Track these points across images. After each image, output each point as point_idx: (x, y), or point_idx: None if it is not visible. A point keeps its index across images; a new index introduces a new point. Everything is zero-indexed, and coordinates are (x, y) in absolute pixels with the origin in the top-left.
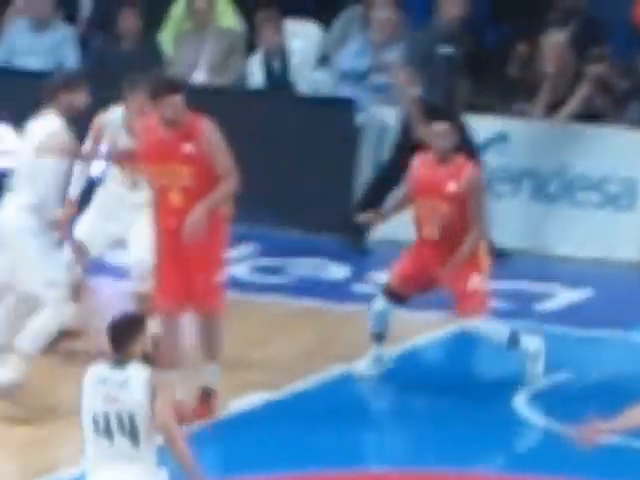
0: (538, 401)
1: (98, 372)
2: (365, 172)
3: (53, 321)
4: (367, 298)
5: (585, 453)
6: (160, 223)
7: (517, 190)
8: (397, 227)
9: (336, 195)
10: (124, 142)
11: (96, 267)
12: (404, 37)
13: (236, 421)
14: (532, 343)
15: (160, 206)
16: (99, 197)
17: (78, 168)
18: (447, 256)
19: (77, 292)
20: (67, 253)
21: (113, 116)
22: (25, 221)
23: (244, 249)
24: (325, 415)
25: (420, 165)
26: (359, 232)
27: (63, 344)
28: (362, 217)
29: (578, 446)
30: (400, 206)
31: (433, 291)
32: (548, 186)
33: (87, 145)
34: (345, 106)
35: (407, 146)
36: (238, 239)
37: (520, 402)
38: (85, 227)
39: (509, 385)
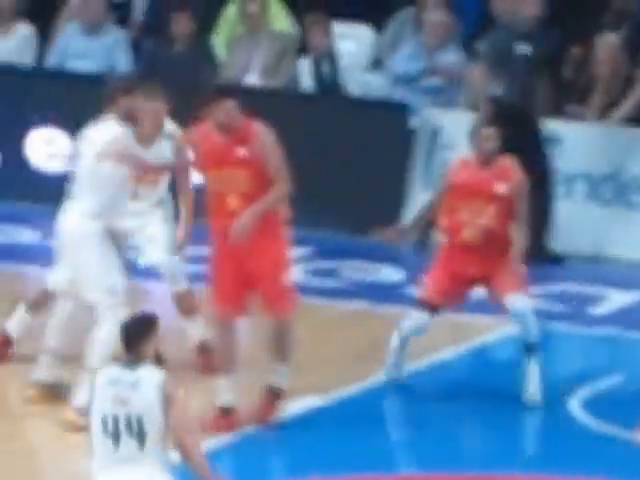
0: (592, 405)
1: (109, 373)
2: (418, 175)
3: (112, 330)
4: None
5: None
6: (218, 228)
7: (571, 193)
8: None
9: (389, 198)
10: (137, 156)
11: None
12: (456, 39)
13: (289, 424)
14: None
15: (218, 211)
16: None
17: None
18: (486, 260)
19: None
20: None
21: (125, 129)
22: (87, 227)
23: (298, 252)
24: (374, 419)
25: (460, 169)
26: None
27: None
28: (380, 234)
29: None
30: (433, 215)
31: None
32: (602, 189)
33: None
34: (399, 109)
35: None
36: (292, 242)
37: (574, 406)
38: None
39: (563, 389)
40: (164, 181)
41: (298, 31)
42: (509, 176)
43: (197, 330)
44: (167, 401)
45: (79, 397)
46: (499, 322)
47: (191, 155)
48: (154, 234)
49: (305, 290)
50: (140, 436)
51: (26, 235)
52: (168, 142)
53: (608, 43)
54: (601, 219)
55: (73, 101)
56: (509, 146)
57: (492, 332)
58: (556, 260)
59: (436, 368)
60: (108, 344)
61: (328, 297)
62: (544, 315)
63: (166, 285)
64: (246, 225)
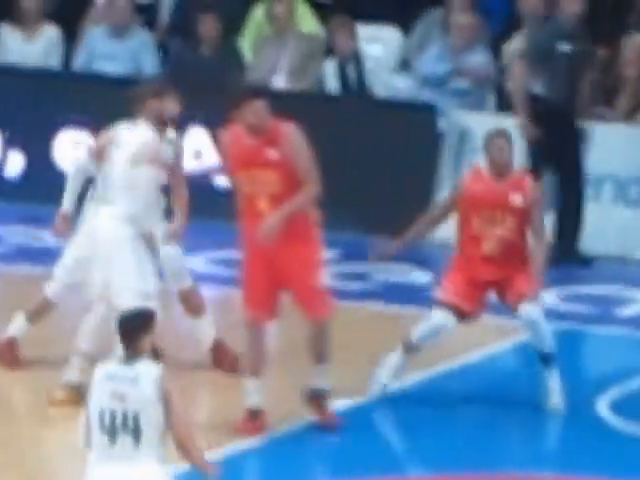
0: (620, 406)
1: (107, 369)
2: (445, 177)
3: None
4: None
5: None
6: (248, 231)
7: (598, 194)
8: None
9: (416, 200)
10: None
11: None
12: (483, 40)
13: (318, 426)
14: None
15: (248, 213)
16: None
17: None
18: (502, 268)
19: None
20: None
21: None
22: (122, 231)
23: (327, 255)
24: (403, 421)
25: (474, 181)
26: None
27: None
28: (374, 256)
29: None
30: (434, 224)
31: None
32: (629, 190)
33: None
34: (427, 111)
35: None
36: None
37: (602, 407)
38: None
39: (591, 391)
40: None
41: (325, 33)
42: (523, 187)
43: (207, 329)
44: (164, 396)
45: None
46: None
47: (221, 157)
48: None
49: (333, 293)
50: (136, 433)
51: (52, 237)
52: (169, 146)
53: (635, 44)
54: (629, 221)
55: (100, 103)
56: (546, 144)
57: (518, 335)
58: (584, 262)
59: (460, 371)
60: None
61: (356, 299)
62: (572, 317)
63: (169, 284)
64: (273, 226)
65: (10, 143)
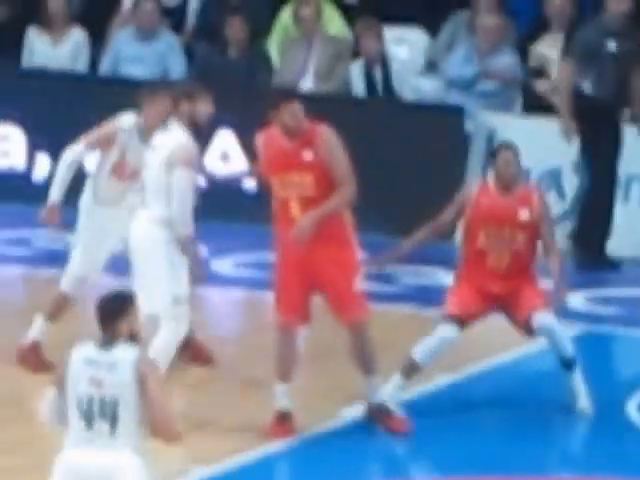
0: None
1: (85, 352)
2: (473, 179)
3: (173, 340)
4: None
5: None
6: (281, 234)
7: (627, 196)
8: None
9: (444, 203)
10: (135, 152)
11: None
12: (510, 41)
13: (345, 430)
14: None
15: (281, 217)
16: (89, 214)
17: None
18: (511, 285)
19: None
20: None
21: (124, 123)
22: (156, 235)
23: None
24: (435, 425)
25: (479, 195)
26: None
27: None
28: (372, 265)
29: None
30: (436, 234)
31: None
32: None
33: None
34: (454, 113)
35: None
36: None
37: (632, 409)
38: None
39: (620, 393)
40: None
41: (352, 35)
42: (531, 202)
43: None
44: (141, 378)
45: None
46: None
47: (255, 160)
48: None
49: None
50: (113, 420)
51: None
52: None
53: None
54: None
55: (126, 107)
56: (586, 142)
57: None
58: (612, 265)
59: (489, 375)
60: (166, 354)
61: (384, 302)
62: (600, 319)
63: None
64: (307, 227)
65: (37, 147)
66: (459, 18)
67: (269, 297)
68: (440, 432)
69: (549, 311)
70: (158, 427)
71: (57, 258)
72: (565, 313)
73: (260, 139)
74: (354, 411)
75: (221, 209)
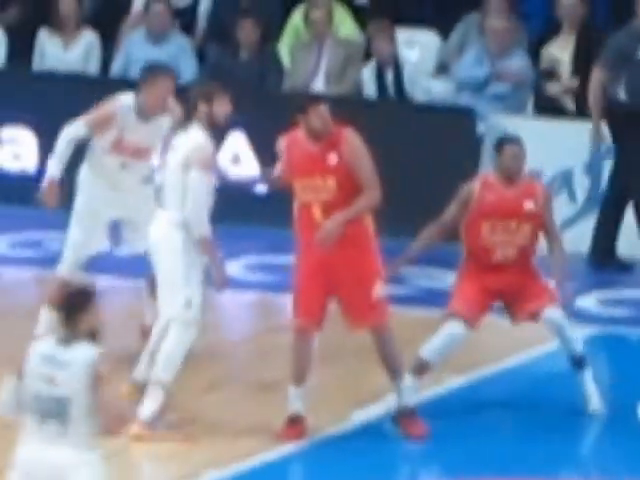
0: None
1: (43, 348)
2: None
3: (182, 344)
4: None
5: None
6: (302, 238)
7: None
8: None
9: None
10: (133, 131)
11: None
12: (522, 44)
13: (357, 432)
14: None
15: (302, 221)
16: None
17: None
18: (517, 278)
19: None
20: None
21: (124, 103)
22: (173, 237)
23: None
24: (446, 428)
25: (484, 191)
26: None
27: None
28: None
29: None
30: (440, 237)
31: None
32: None
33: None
34: (466, 115)
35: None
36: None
37: None
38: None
39: (632, 394)
40: (151, 158)
41: (363, 37)
42: (534, 193)
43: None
44: (95, 379)
45: (145, 410)
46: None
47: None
48: (140, 223)
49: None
50: (64, 419)
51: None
52: (168, 120)
53: None
54: None
55: None
56: (621, 148)
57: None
58: (624, 267)
59: (500, 377)
60: (176, 357)
61: (396, 304)
62: (612, 320)
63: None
64: (332, 230)
65: (48, 149)
66: (470, 20)
67: (281, 299)
68: (452, 434)
69: (558, 307)
70: (111, 430)
71: None
72: (577, 315)
73: (283, 142)
74: (364, 413)
75: (232, 211)
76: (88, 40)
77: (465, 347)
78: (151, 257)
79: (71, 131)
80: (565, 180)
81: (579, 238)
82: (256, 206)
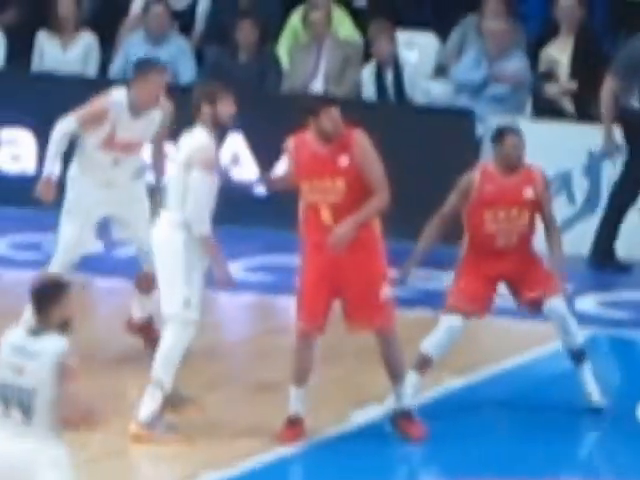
0: None
1: (13, 338)
2: None
3: (180, 344)
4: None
5: None
6: (309, 240)
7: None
8: None
9: None
10: (125, 127)
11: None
12: (520, 45)
13: (355, 433)
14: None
15: (309, 222)
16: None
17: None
18: (520, 262)
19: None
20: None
21: (116, 99)
22: (175, 238)
23: None
24: (445, 429)
25: (482, 180)
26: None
27: None
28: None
29: None
30: (444, 230)
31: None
32: None
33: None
34: (465, 117)
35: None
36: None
37: None
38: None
39: (630, 396)
40: (142, 151)
41: (362, 39)
42: (533, 179)
43: (149, 307)
44: (62, 372)
45: (144, 411)
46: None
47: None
48: (131, 220)
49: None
50: (29, 410)
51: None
52: (159, 115)
53: None
54: None
55: None
56: (630, 155)
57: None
58: (622, 268)
59: (500, 378)
60: (174, 357)
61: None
62: (611, 322)
63: (145, 265)
64: (346, 234)
65: (47, 150)
66: (469, 22)
67: (279, 301)
68: (451, 435)
69: (562, 297)
70: (71, 423)
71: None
72: (575, 316)
73: (291, 144)
74: (364, 414)
75: (231, 213)
76: (87, 41)
77: (464, 348)
78: (155, 258)
79: (63, 127)
80: (564, 182)
81: (578, 240)
82: (255, 208)
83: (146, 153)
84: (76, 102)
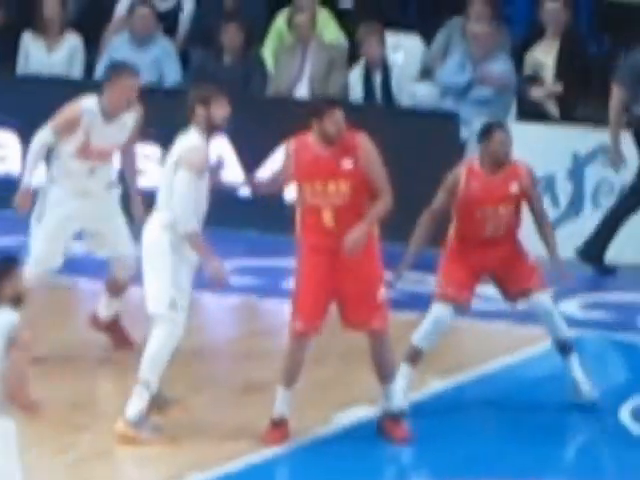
0: None
1: None
2: None
3: (167, 344)
4: (474, 313)
5: None
6: (306, 242)
7: None
8: None
9: None
10: (99, 133)
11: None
12: (505, 48)
13: (340, 435)
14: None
15: (309, 225)
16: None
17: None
18: (506, 254)
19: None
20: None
21: (87, 105)
22: (163, 239)
23: None
24: (432, 429)
25: (468, 178)
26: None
27: None
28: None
29: None
30: (435, 227)
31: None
32: None
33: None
34: (449, 120)
35: None
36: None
37: (625, 415)
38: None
39: (614, 398)
40: (113, 160)
41: (348, 41)
42: (518, 174)
43: (117, 306)
44: (11, 343)
45: (131, 409)
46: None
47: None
48: (106, 234)
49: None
50: None
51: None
52: (132, 117)
53: None
54: None
55: None
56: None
57: (543, 342)
58: (607, 271)
59: (486, 378)
60: (161, 357)
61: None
62: (594, 324)
63: (117, 271)
64: (360, 238)
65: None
66: (454, 24)
67: (264, 303)
68: (437, 437)
69: (547, 291)
70: (14, 396)
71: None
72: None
73: (292, 146)
74: (349, 416)
75: (216, 215)
76: (72, 43)
77: (450, 349)
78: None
79: (41, 138)
80: (548, 185)
81: (561, 243)
82: (240, 210)
83: (116, 157)
84: (61, 104)
